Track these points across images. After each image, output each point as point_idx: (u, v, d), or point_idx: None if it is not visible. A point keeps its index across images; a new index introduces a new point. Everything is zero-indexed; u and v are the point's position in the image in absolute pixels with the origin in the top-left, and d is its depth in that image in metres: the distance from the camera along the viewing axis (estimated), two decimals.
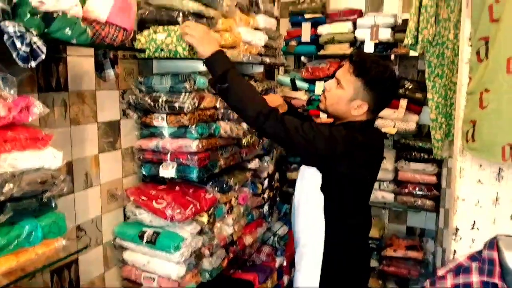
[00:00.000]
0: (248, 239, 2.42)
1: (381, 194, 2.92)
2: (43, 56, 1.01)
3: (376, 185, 2.93)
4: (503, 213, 1.46)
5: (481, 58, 1.37)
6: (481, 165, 1.47)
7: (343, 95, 1.55)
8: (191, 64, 1.94)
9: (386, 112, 2.82)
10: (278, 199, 2.79)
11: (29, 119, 1.13)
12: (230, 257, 2.25)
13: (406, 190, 2.84)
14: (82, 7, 1.18)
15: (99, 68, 1.54)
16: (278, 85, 3.13)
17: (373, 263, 2.95)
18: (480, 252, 1.43)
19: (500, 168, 1.45)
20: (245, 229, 2.42)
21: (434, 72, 1.88)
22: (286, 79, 3.03)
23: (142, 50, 1.69)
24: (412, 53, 2.56)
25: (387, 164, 2.86)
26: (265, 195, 2.60)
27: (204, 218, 1.98)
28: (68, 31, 1.09)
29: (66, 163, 1.63)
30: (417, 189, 2.81)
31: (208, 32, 1.64)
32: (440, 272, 1.49)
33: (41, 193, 1.18)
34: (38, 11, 1.03)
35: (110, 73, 1.53)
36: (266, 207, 2.61)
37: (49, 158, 1.20)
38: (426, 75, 1.91)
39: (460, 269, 1.44)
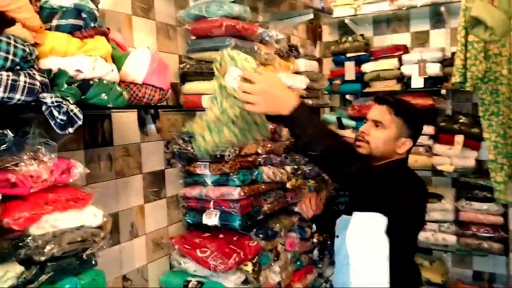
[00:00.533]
0: (297, 286, 2.34)
1: (442, 236, 2.72)
2: (80, 122, 1.07)
3: (435, 226, 2.74)
4: None
5: None
6: None
7: (389, 135, 1.52)
8: None
9: (441, 149, 2.67)
10: (329, 242, 2.68)
11: (70, 180, 1.18)
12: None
13: (470, 232, 2.62)
14: (119, 71, 1.24)
15: (142, 123, 1.61)
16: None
17: None
18: None
19: None
20: (293, 276, 2.34)
21: (489, 110, 1.76)
22: (333, 118, 2.99)
23: (179, 107, 1.74)
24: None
25: (447, 204, 2.68)
26: (315, 239, 2.52)
27: (249, 267, 1.94)
28: (104, 96, 1.15)
29: (111, 215, 1.69)
30: (481, 230, 2.59)
31: (273, 85, 1.23)
32: None
33: (82, 252, 1.22)
34: (75, 80, 1.10)
35: (151, 128, 1.59)
36: (316, 252, 2.53)
37: (89, 217, 1.24)
38: (481, 113, 1.80)
39: None
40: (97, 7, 1.24)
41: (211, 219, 1.92)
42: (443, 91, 2.65)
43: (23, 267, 1.06)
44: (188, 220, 2.00)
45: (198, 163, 1.93)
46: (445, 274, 2.83)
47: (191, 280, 1.85)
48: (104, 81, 1.16)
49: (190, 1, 1.90)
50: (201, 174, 1.94)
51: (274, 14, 2.54)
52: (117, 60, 1.29)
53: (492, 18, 1.40)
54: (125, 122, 1.73)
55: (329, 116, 3.04)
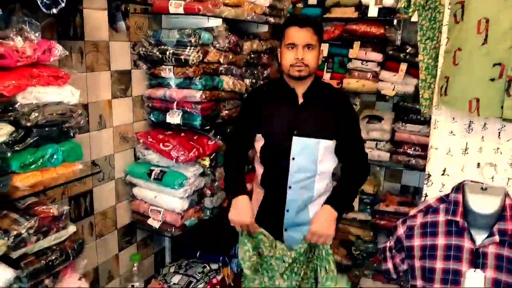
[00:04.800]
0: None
1: (378, 153, 3.07)
2: (63, 4, 1.20)
3: (373, 144, 3.08)
4: (471, 162, 1.62)
5: (457, 20, 1.49)
6: (454, 118, 1.62)
7: (318, 53, 1.73)
8: (197, 20, 2.09)
9: (386, 75, 2.93)
10: None
11: (51, 59, 1.33)
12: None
13: (401, 150, 2.99)
14: None
15: (112, 20, 1.72)
16: None
17: (366, 216, 3.14)
18: (448, 195, 1.60)
19: (470, 121, 1.60)
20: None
21: (426, 35, 1.99)
22: None
23: (149, 4, 1.85)
24: (415, 19, 2.64)
25: (385, 125, 3.00)
26: None
27: (206, 162, 2.19)
28: None
29: (82, 105, 1.85)
30: (412, 149, 2.95)
31: (327, 220, 1.66)
32: (412, 212, 1.68)
33: (61, 124, 1.39)
34: None
35: (121, 24, 1.70)
36: None
37: (68, 95, 1.41)
38: (418, 38, 2.02)
39: (429, 210, 1.62)
40: None
41: (174, 118, 2.12)
42: (395, 22, 2.87)
43: (14, 127, 1.23)
44: (152, 119, 2.19)
45: (163, 66, 2.08)
46: (378, 186, 3.25)
47: (154, 169, 2.08)
48: None
49: None
50: (166, 77, 2.10)
51: None
52: None
53: None
54: (95, 19, 1.82)
55: None
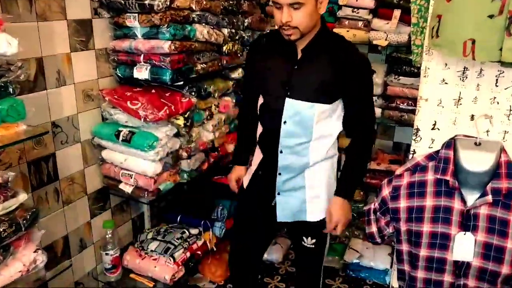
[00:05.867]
0: (230, 147, 2.49)
1: None
2: None
3: None
4: (464, 114, 1.45)
5: None
6: (446, 64, 1.43)
7: (310, 9, 1.44)
8: None
9: (378, 23, 2.71)
10: None
11: None
12: (210, 162, 2.34)
13: (394, 105, 2.82)
14: None
15: None
16: None
17: None
18: (437, 152, 1.45)
19: (465, 67, 1.41)
20: (227, 137, 2.48)
21: None
22: None
23: None
24: None
25: (376, 78, 2.80)
26: None
27: (180, 121, 2.02)
28: None
29: (36, 59, 1.66)
30: (404, 104, 2.78)
31: (343, 208, 1.66)
32: (398, 171, 1.53)
33: None
34: None
35: None
36: None
37: (3, 45, 1.21)
38: None
39: (417, 168, 1.47)
40: None
41: (141, 72, 1.93)
42: None
43: None
44: (119, 74, 2.00)
45: (128, 14, 1.86)
46: None
47: (122, 130, 1.92)
48: None
49: None
50: (131, 26, 1.89)
51: None
52: None
53: None
54: None
55: None
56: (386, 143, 3.17)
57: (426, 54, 1.47)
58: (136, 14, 1.84)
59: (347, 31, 2.75)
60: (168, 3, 1.80)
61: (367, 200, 3.04)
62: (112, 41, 1.95)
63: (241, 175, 1.87)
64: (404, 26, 2.69)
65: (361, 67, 1.60)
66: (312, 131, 1.59)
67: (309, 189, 1.67)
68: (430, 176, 1.43)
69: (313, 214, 1.69)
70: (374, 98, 2.85)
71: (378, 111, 2.87)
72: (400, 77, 2.76)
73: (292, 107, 1.56)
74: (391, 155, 3.03)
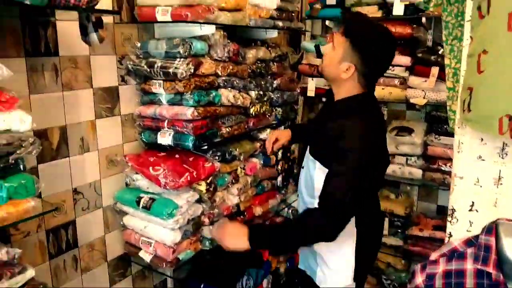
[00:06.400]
0: (257, 210, 2.38)
1: (409, 169, 2.73)
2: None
3: (403, 159, 2.74)
4: (506, 194, 1.27)
5: (483, 14, 1.17)
6: (482, 139, 1.28)
7: (334, 57, 1.47)
8: (189, 28, 1.87)
9: (415, 81, 2.59)
10: (295, 171, 2.70)
11: None
12: None
13: (435, 166, 2.62)
14: None
15: (84, 32, 1.53)
16: (304, 52, 2.99)
17: (397, 241, 2.79)
18: (477, 237, 1.27)
19: (504, 143, 1.25)
20: (254, 200, 2.38)
21: (452, 34, 1.66)
22: (310, 46, 2.87)
23: (116, 12, 1.66)
24: None
25: (416, 138, 2.65)
26: (279, 167, 2.53)
27: (202, 187, 1.96)
28: None
29: (59, 128, 1.68)
30: (447, 165, 2.59)
31: (233, 228, 1.51)
32: (433, 256, 1.35)
33: (7, 155, 1.21)
34: None
35: (93, 37, 1.51)
36: (279, 179, 2.54)
37: (15, 121, 1.22)
38: (444, 38, 1.69)
39: (454, 254, 1.29)
40: None
41: (165, 138, 1.90)
42: (424, 20, 2.53)
43: None
44: (144, 139, 1.99)
45: (153, 81, 1.88)
46: (410, 207, 2.88)
47: (143, 197, 1.88)
48: None
49: None
50: (156, 92, 1.90)
51: None
52: None
53: None
54: (71, 31, 1.65)
55: (307, 44, 2.92)
56: (429, 207, 2.94)
57: (458, 127, 1.33)
58: (161, 81, 1.84)
59: (383, 88, 2.66)
60: (192, 71, 1.79)
61: (409, 269, 2.79)
62: (138, 107, 1.96)
63: (282, 137, 1.92)
64: (443, 83, 2.54)
65: (345, 135, 1.40)
66: (314, 191, 1.62)
67: None
68: (469, 265, 1.25)
69: None
70: (414, 158, 2.69)
71: (418, 173, 2.70)
72: (441, 137, 2.60)
73: (308, 156, 1.66)
74: (434, 220, 2.79)
